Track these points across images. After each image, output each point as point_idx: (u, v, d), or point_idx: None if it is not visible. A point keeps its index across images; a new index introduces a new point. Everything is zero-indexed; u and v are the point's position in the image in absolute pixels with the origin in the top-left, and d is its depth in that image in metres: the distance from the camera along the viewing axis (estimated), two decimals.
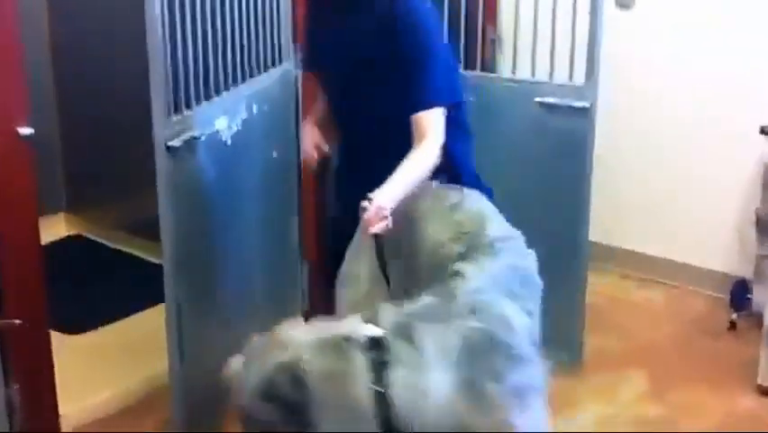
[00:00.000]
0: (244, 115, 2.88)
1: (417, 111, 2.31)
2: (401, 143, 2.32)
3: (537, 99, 3.15)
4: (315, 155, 2.64)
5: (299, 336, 1.89)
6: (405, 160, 2.27)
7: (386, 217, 2.14)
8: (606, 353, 3.43)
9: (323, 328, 1.92)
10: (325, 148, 2.64)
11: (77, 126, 4.35)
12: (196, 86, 2.74)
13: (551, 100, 3.13)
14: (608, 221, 3.84)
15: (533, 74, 3.22)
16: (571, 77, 3.14)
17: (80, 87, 4.23)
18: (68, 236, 4.40)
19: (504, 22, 3.73)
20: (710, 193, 3.85)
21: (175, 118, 2.60)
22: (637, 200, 4.03)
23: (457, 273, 2.02)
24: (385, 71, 2.37)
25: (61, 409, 2.87)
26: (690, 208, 3.91)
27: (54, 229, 4.22)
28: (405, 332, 1.85)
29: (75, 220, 4.45)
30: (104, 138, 4.18)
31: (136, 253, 4.11)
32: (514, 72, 3.29)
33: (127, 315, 3.58)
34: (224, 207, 2.84)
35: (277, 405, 1.84)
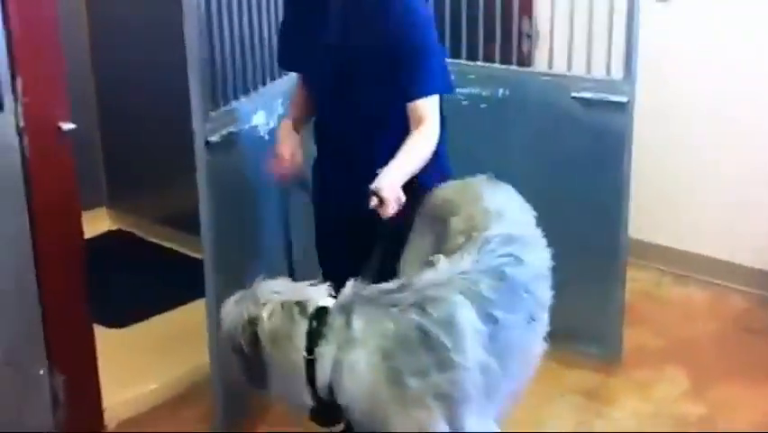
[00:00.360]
0: (281, 110, 2.90)
1: (416, 98, 2.31)
2: (388, 132, 2.34)
3: (574, 94, 3.13)
4: (290, 163, 2.49)
5: (268, 294, 1.98)
6: (404, 144, 2.26)
7: (398, 202, 2.15)
8: (645, 349, 3.41)
9: (292, 289, 2.01)
10: (299, 158, 2.51)
11: (117, 122, 4.40)
12: (235, 81, 2.77)
13: (588, 95, 3.11)
14: (647, 217, 3.81)
15: (569, 68, 3.20)
16: (608, 71, 3.12)
17: (120, 83, 4.28)
18: (110, 231, 4.46)
19: (540, 15, 3.71)
20: (752, 190, 3.80)
21: (213, 114, 2.62)
22: (677, 196, 3.99)
23: (431, 264, 2.03)
24: (377, 60, 2.34)
25: (105, 402, 2.92)
26: (730, 205, 3.86)
27: (96, 224, 4.28)
28: (347, 309, 1.92)
29: (116, 215, 4.51)
30: (144, 133, 4.23)
31: (176, 247, 4.15)
32: (550, 67, 3.27)
33: (168, 309, 3.62)
34: (261, 201, 2.86)
35: (240, 357, 1.97)
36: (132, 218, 4.45)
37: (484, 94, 3.30)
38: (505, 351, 1.96)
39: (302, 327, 1.92)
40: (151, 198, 4.42)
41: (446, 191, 2.36)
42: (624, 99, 3.04)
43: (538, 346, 2.14)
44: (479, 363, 1.90)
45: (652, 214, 3.90)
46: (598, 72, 3.14)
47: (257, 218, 2.87)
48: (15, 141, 2.55)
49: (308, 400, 1.94)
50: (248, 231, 2.83)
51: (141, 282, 3.89)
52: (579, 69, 3.18)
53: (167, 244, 4.23)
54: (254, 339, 1.94)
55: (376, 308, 1.92)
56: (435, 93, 2.36)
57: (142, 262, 4.16)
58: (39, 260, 2.65)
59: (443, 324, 1.87)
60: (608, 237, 3.16)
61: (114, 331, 3.44)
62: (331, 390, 1.90)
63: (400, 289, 1.95)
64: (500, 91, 3.27)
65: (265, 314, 1.94)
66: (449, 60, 3.31)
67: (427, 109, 2.32)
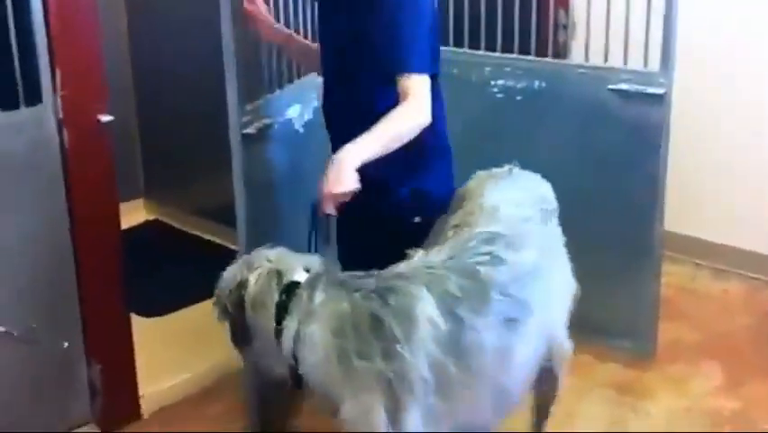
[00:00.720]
0: (316, 102, 2.91)
1: (394, 76, 2.19)
2: (379, 112, 2.22)
3: (610, 86, 3.10)
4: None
5: (261, 260, 2.06)
6: (381, 119, 2.16)
7: (351, 179, 2.06)
8: (679, 344, 3.38)
9: (284, 259, 2.07)
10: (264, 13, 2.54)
11: (154, 113, 4.44)
12: (270, 74, 2.78)
13: (624, 87, 3.08)
14: (682, 210, 3.77)
15: (606, 60, 3.18)
16: (645, 62, 3.09)
17: (157, 74, 4.32)
18: (146, 222, 4.51)
19: (576, 6, 3.68)
20: None
21: (249, 107, 2.64)
22: (713, 188, 3.95)
23: (409, 256, 2.05)
24: (361, 44, 2.28)
25: (141, 391, 2.96)
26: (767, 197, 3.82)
27: (133, 215, 4.33)
28: (313, 285, 1.98)
29: (153, 206, 4.56)
30: (180, 125, 4.26)
31: (212, 238, 4.18)
32: (586, 59, 3.25)
33: (204, 298, 3.62)
34: (296, 193, 2.87)
35: (227, 319, 2.08)
36: (169, 209, 4.49)
37: (519, 86, 3.28)
38: (471, 352, 1.93)
39: (275, 296, 2.00)
40: (188, 189, 4.46)
41: (467, 184, 2.34)
42: (661, 91, 3.01)
43: (525, 350, 2.05)
44: (429, 360, 1.88)
45: (687, 207, 3.86)
46: (636, 64, 3.11)
47: (291, 210, 2.88)
48: (54, 133, 2.59)
49: (279, 368, 2.01)
50: (282, 222, 2.85)
51: (176, 272, 3.93)
52: (615, 61, 3.15)
53: (203, 235, 4.26)
54: (240, 302, 2.03)
55: (339, 289, 1.97)
56: (408, 71, 2.17)
57: (178, 252, 4.20)
58: (77, 250, 2.69)
59: (398, 314, 1.89)
60: (643, 230, 3.14)
61: (150, 320, 3.48)
62: (296, 360, 1.97)
63: (368, 276, 1.99)
64: (536, 84, 3.26)
65: (252, 279, 2.02)
66: (485, 53, 3.34)
67: (409, 88, 2.16)
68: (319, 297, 1.96)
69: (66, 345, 1.84)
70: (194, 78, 4.00)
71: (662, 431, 2.91)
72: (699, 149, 3.88)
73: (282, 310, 1.97)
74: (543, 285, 2.10)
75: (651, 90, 3.03)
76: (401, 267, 2.01)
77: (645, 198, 3.12)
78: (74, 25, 2.57)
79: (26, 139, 2.56)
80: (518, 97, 3.29)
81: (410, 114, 2.15)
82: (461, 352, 1.92)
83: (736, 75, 3.78)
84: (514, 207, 2.18)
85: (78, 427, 2.82)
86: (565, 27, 3.72)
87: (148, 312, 3.48)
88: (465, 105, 3.34)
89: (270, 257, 2.07)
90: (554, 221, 2.33)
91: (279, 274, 2.02)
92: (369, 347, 1.88)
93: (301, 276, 2.02)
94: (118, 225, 2.81)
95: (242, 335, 2.06)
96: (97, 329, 2.78)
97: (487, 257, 2.00)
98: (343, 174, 2.06)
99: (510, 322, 2.00)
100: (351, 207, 2.17)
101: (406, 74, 2.17)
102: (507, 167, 2.37)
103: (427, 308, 1.90)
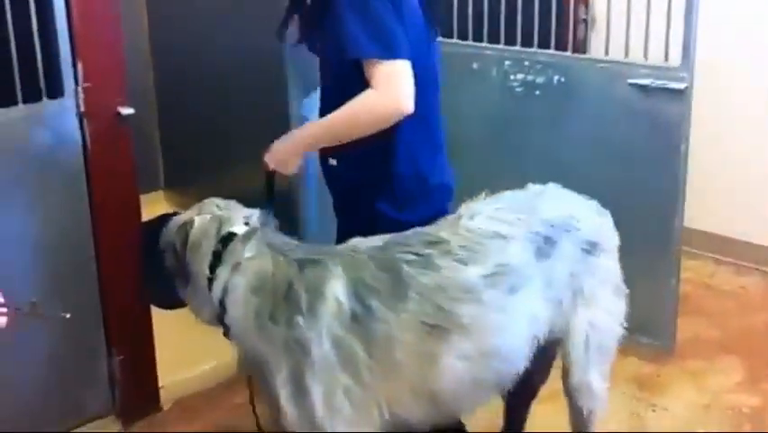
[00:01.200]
0: None
1: (365, 61, 2.07)
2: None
3: (630, 81, 3.09)
4: None
5: (211, 206, 2.16)
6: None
7: (292, 164, 2.17)
8: (699, 339, 3.37)
9: (232, 210, 2.15)
10: None
11: (174, 106, 4.45)
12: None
13: (645, 82, 3.07)
14: (702, 206, 3.75)
15: (626, 55, 3.17)
16: (666, 57, 3.08)
17: (177, 67, 4.33)
18: (166, 214, 4.51)
19: (596, 0, 3.67)
20: None
21: (306, 100, 2.63)
22: (733, 185, 3.93)
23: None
24: (325, 41, 2.21)
25: (161, 382, 2.98)
26: None
27: (153, 207, 4.33)
28: (246, 238, 2.05)
29: (173, 198, 4.58)
30: (200, 117, 4.27)
31: None
32: (606, 53, 3.23)
33: None
34: None
35: (169, 255, 2.13)
36: (189, 201, 4.47)
37: (539, 81, 3.28)
38: (382, 344, 1.94)
39: (212, 243, 2.06)
40: (207, 182, 4.46)
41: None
42: (682, 86, 2.99)
43: (459, 365, 1.98)
44: (331, 337, 1.93)
45: (707, 203, 3.85)
46: (656, 59, 3.09)
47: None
48: (76, 125, 2.61)
49: (207, 314, 2.11)
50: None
51: None
52: (636, 56, 3.14)
53: None
54: (184, 240, 2.10)
55: (268, 248, 2.03)
56: (360, 56, 2.06)
57: None
58: (98, 242, 2.71)
59: (309, 286, 1.95)
60: (662, 226, 3.13)
61: (170, 312, 3.48)
62: (224, 309, 2.05)
63: (298, 245, 2.08)
64: (555, 78, 3.25)
65: (197, 221, 2.11)
66: (505, 47, 3.33)
67: (371, 76, 2.04)
68: (248, 252, 2.02)
69: (68, 315, 1.86)
70: (214, 71, 4.00)
71: (681, 429, 2.90)
72: (719, 145, 3.86)
73: (217, 259, 2.05)
74: (488, 310, 2.00)
75: (671, 85, 3.01)
76: (332, 246, 2.10)
77: (665, 194, 3.10)
78: (96, 18, 2.58)
79: (48, 131, 2.57)
80: (538, 92, 3.28)
81: (370, 101, 2.05)
82: (371, 339, 1.94)
83: (758, 71, 3.75)
84: (486, 221, 2.07)
85: (98, 418, 2.85)
86: (585, 21, 3.71)
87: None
88: (485, 99, 3.34)
89: (220, 204, 2.16)
90: (586, 255, 2.16)
91: (221, 222, 2.09)
92: (279, 312, 1.96)
93: (240, 229, 2.08)
94: (139, 216, 2.82)
95: (182, 273, 2.11)
96: (118, 321, 2.80)
97: (416, 257, 1.98)
98: (286, 156, 2.18)
99: (434, 329, 1.96)
100: (348, 205, 2.20)
101: (368, 60, 2.05)
102: (550, 184, 2.27)
103: (336, 287, 1.94)
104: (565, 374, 2.27)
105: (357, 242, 2.06)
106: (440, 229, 2.06)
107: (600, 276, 2.20)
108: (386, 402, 1.98)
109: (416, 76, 2.07)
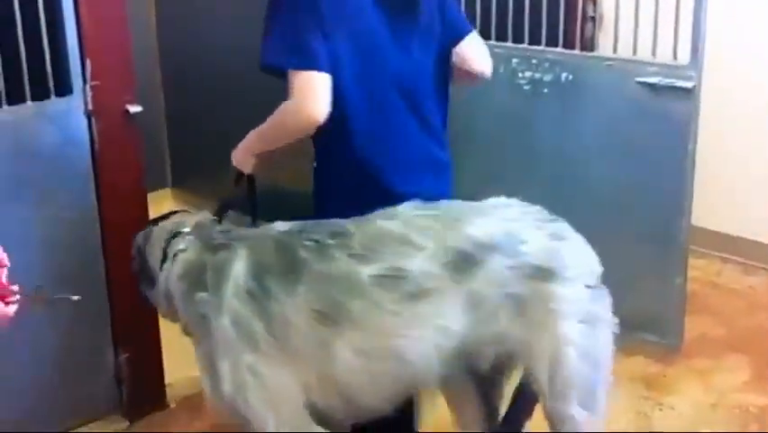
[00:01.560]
0: None
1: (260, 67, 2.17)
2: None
3: (638, 79, 3.08)
4: None
5: (186, 214, 2.31)
6: None
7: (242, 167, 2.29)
8: (706, 338, 3.36)
9: (196, 215, 2.28)
10: None
11: (181, 104, 4.47)
12: None
13: (653, 80, 3.06)
14: (709, 205, 3.74)
15: (634, 53, 3.16)
16: (674, 55, 3.07)
17: (184, 65, 4.34)
18: (174, 212, 4.52)
19: None
20: None
21: None
22: (740, 183, 3.92)
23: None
24: None
25: (167, 379, 2.98)
26: None
27: (160, 205, 4.34)
28: (188, 233, 2.17)
29: (180, 196, 4.58)
30: (207, 115, 4.28)
31: None
32: (614, 51, 3.23)
33: None
34: None
35: (137, 258, 2.27)
36: (196, 199, 4.50)
37: (546, 79, 3.27)
38: (280, 326, 1.99)
39: (162, 242, 2.19)
40: (215, 180, 4.47)
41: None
42: (690, 85, 2.98)
43: (353, 361, 1.99)
44: (231, 312, 2.01)
45: (714, 201, 3.84)
46: (664, 57, 3.09)
47: None
48: (84, 123, 2.62)
49: (163, 308, 2.22)
50: None
51: None
52: (644, 54, 3.13)
53: None
54: (146, 242, 2.25)
55: (198, 238, 2.16)
56: (275, 66, 2.14)
57: None
58: (105, 239, 2.72)
59: (217, 267, 2.06)
60: (669, 225, 3.12)
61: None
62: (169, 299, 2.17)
63: (224, 231, 2.18)
64: (563, 76, 3.24)
65: (161, 224, 2.25)
66: (512, 45, 3.32)
67: (288, 86, 2.12)
68: (182, 245, 2.15)
69: (76, 298, 1.87)
70: (221, 70, 4.02)
71: (688, 428, 2.89)
72: (727, 143, 3.85)
73: (165, 256, 2.18)
74: (381, 311, 1.97)
75: (679, 84, 3.01)
76: (252, 229, 2.21)
77: (672, 193, 3.09)
78: (104, 17, 2.59)
79: (56, 129, 2.58)
80: (545, 90, 3.27)
81: (286, 110, 2.16)
82: (269, 318, 2.00)
83: (764, 68, 3.74)
84: (401, 225, 2.04)
85: (105, 415, 2.85)
86: (593, 19, 3.70)
87: None
88: (492, 97, 3.33)
89: (193, 213, 2.31)
90: (531, 280, 2.02)
91: (177, 224, 2.22)
92: (193, 292, 2.08)
93: (188, 228, 2.20)
94: (146, 215, 2.83)
95: (146, 275, 2.24)
96: (125, 319, 2.81)
97: (315, 244, 2.03)
98: (241, 157, 2.30)
99: (324, 318, 1.97)
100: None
101: (287, 71, 2.12)
102: (512, 200, 2.17)
103: (238, 267, 2.03)
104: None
105: (278, 224, 2.14)
106: (353, 223, 2.07)
107: (556, 305, 2.03)
108: (298, 386, 2.01)
109: (366, 84, 2.17)
